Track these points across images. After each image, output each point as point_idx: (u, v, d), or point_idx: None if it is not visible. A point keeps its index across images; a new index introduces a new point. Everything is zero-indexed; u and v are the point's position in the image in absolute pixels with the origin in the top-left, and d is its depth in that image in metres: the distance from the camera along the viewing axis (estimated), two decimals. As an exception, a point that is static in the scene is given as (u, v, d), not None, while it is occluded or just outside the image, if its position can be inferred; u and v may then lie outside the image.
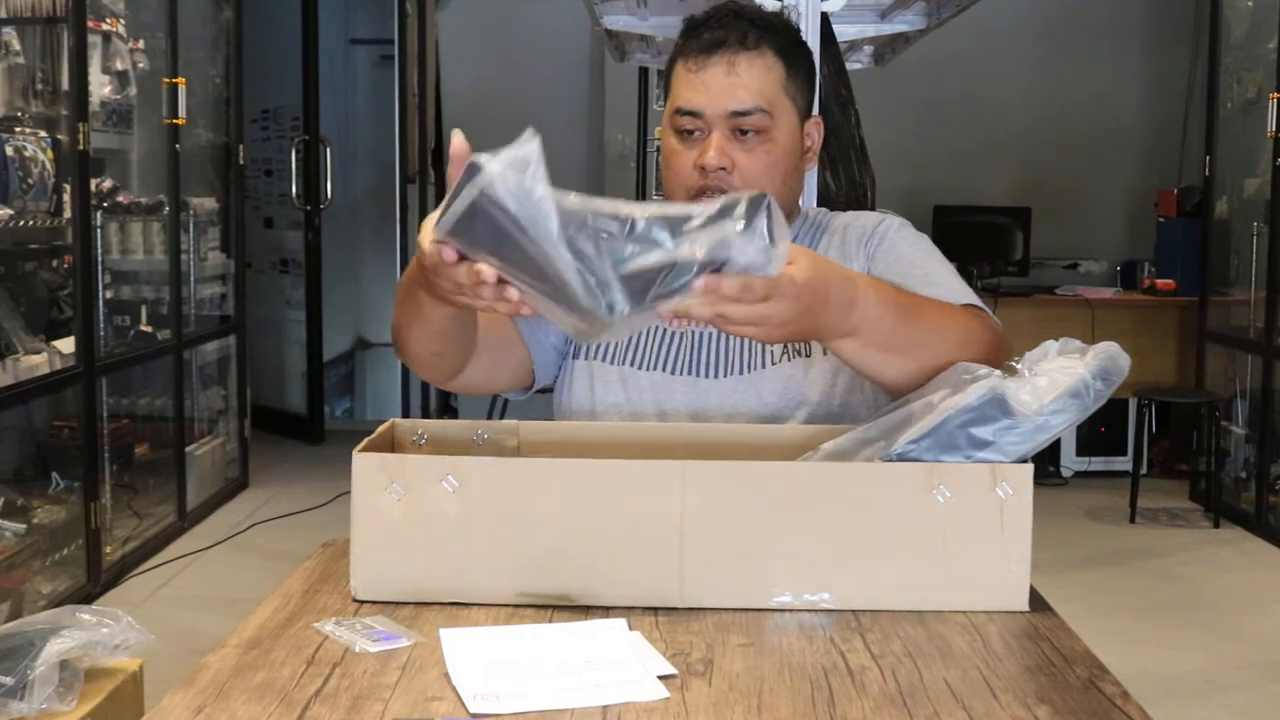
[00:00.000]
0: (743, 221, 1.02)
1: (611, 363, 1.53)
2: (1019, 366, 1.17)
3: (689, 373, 1.49)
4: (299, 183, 5.97)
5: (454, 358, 1.41)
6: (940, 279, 1.43)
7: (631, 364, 1.52)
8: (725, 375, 1.49)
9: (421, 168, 6.50)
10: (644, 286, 1.01)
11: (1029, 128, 6.19)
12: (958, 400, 1.14)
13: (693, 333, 1.52)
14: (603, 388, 1.52)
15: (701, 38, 1.47)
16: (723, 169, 1.44)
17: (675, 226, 1.02)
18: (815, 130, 1.54)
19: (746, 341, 1.48)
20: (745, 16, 1.50)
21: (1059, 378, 1.13)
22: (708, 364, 1.49)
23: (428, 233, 1.06)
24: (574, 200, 1.00)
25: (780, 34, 1.49)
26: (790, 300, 1.07)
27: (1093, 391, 1.13)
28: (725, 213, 1.02)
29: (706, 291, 1.02)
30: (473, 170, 0.97)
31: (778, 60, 1.48)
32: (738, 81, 1.45)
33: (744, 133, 1.46)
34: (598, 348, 1.54)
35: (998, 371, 1.16)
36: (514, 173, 0.97)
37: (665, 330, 1.53)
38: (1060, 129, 6.16)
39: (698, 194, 1.46)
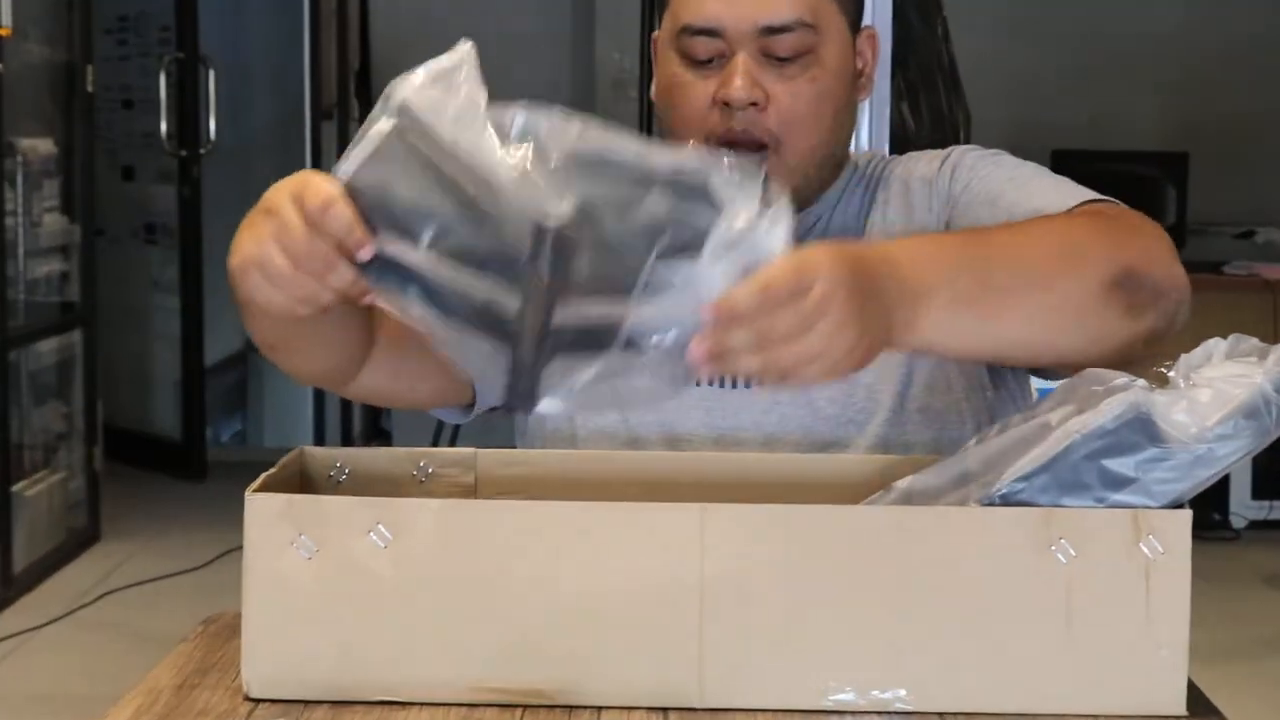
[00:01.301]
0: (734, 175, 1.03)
1: None
2: (1172, 374, 1.17)
3: (708, 380, 1.49)
4: (171, 119, 5.97)
5: (341, 365, 1.41)
6: (1038, 192, 1.43)
7: None
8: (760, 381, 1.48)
9: (341, 98, 6.52)
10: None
11: (1187, 47, 6.19)
12: (1086, 421, 1.14)
13: None
14: (582, 418, 1.52)
15: None
16: (754, 104, 1.44)
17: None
18: (869, 47, 1.54)
19: None
20: None
21: (1228, 390, 1.13)
22: None
23: (320, 179, 1.06)
24: (518, 116, 1.03)
25: None
26: (834, 283, 1.05)
27: (1275, 410, 1.13)
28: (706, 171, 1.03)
29: (718, 327, 1.01)
30: (388, 94, 1.00)
31: None
32: None
33: (781, 58, 1.46)
34: None
35: (1141, 381, 1.16)
36: (437, 86, 1.00)
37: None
38: (1229, 58, 6.16)
39: (720, 140, 1.46)
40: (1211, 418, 1.12)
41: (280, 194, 1.10)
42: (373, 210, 1.03)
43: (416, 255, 1.03)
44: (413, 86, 1.00)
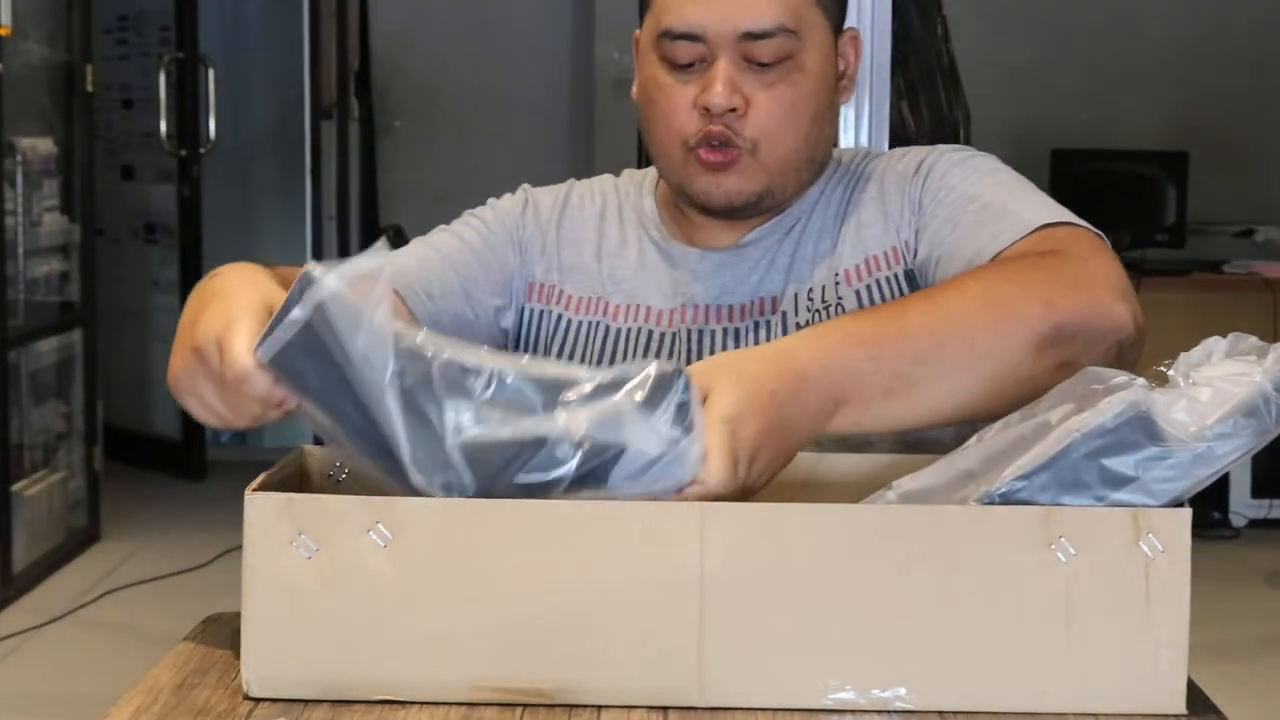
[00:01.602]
0: (642, 394, 1.08)
1: None
2: (1171, 373, 1.17)
3: None
4: (170, 118, 5.97)
5: None
6: (1003, 204, 1.43)
7: None
8: None
9: (341, 97, 6.51)
10: (501, 464, 1.09)
11: (1186, 46, 6.19)
12: (1086, 420, 1.14)
13: (697, 338, 1.53)
14: None
15: None
16: (733, 110, 1.45)
17: (552, 391, 1.08)
18: (852, 48, 1.55)
19: (744, 342, 1.51)
20: None
21: (1228, 389, 1.13)
22: None
23: (239, 346, 1.11)
24: (423, 340, 1.08)
25: None
26: (754, 446, 1.15)
27: (1275, 409, 1.13)
28: (620, 384, 1.09)
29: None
30: (306, 281, 1.05)
31: None
32: None
33: (761, 63, 1.46)
34: (558, 360, 1.56)
35: (1142, 380, 1.16)
36: (352, 291, 1.04)
37: (660, 335, 1.54)
38: (1226, 56, 6.16)
39: (700, 143, 1.47)
40: (1211, 416, 1.12)
41: (207, 331, 1.15)
42: (289, 380, 1.10)
43: (328, 423, 1.12)
44: (329, 289, 1.04)
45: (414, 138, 6.67)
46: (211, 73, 6.03)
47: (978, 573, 1.13)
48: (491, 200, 1.65)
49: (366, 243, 6.66)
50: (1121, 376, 1.16)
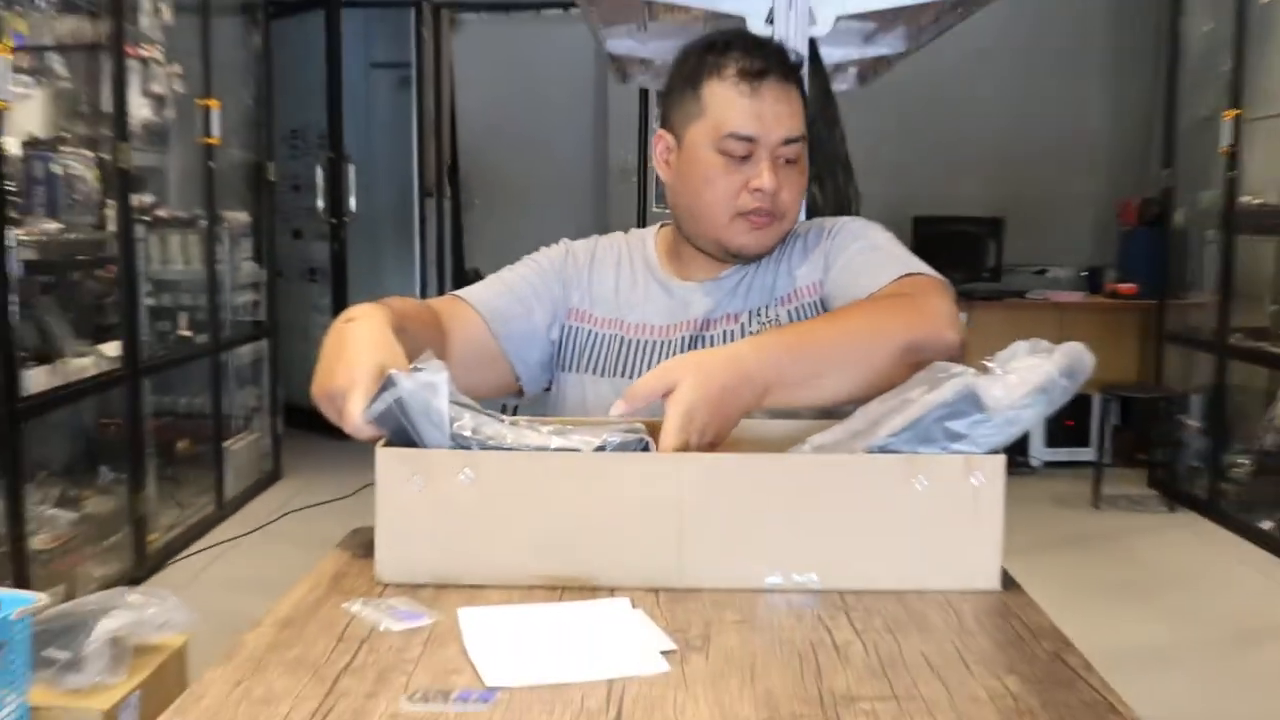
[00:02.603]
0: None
1: (603, 375, 1.53)
2: (991, 365, 1.17)
3: None
4: (325, 197, 5.98)
5: None
6: (877, 262, 1.43)
7: (624, 375, 1.51)
8: None
9: (438, 182, 6.51)
10: None
11: (1001, 144, 6.19)
12: (934, 397, 1.14)
13: (686, 343, 1.51)
14: (595, 399, 1.51)
15: (745, 64, 1.43)
16: (775, 191, 1.45)
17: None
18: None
19: (727, 342, 1.49)
20: (772, 46, 1.48)
21: (1028, 375, 1.14)
22: None
23: (355, 407, 1.17)
24: (465, 421, 1.15)
25: (798, 67, 1.48)
26: (695, 392, 1.17)
27: (1059, 388, 1.13)
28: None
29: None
30: (389, 382, 1.14)
31: (799, 91, 1.47)
32: (787, 110, 1.44)
33: (787, 160, 1.45)
34: (589, 361, 1.54)
35: (972, 370, 1.16)
36: (422, 393, 1.13)
37: (660, 344, 1.53)
38: (1030, 144, 6.16)
39: (751, 213, 1.46)
40: (1018, 393, 1.13)
41: (335, 388, 1.21)
42: (384, 429, 1.17)
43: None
44: (404, 390, 1.13)
45: (486, 209, 6.67)
46: (352, 167, 6.03)
47: (864, 498, 1.14)
48: (542, 249, 1.63)
49: (456, 279, 6.66)
50: (958, 368, 1.17)
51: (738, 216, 1.47)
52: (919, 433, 1.14)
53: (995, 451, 1.14)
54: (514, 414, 1.27)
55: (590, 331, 1.56)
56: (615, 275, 1.59)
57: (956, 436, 1.14)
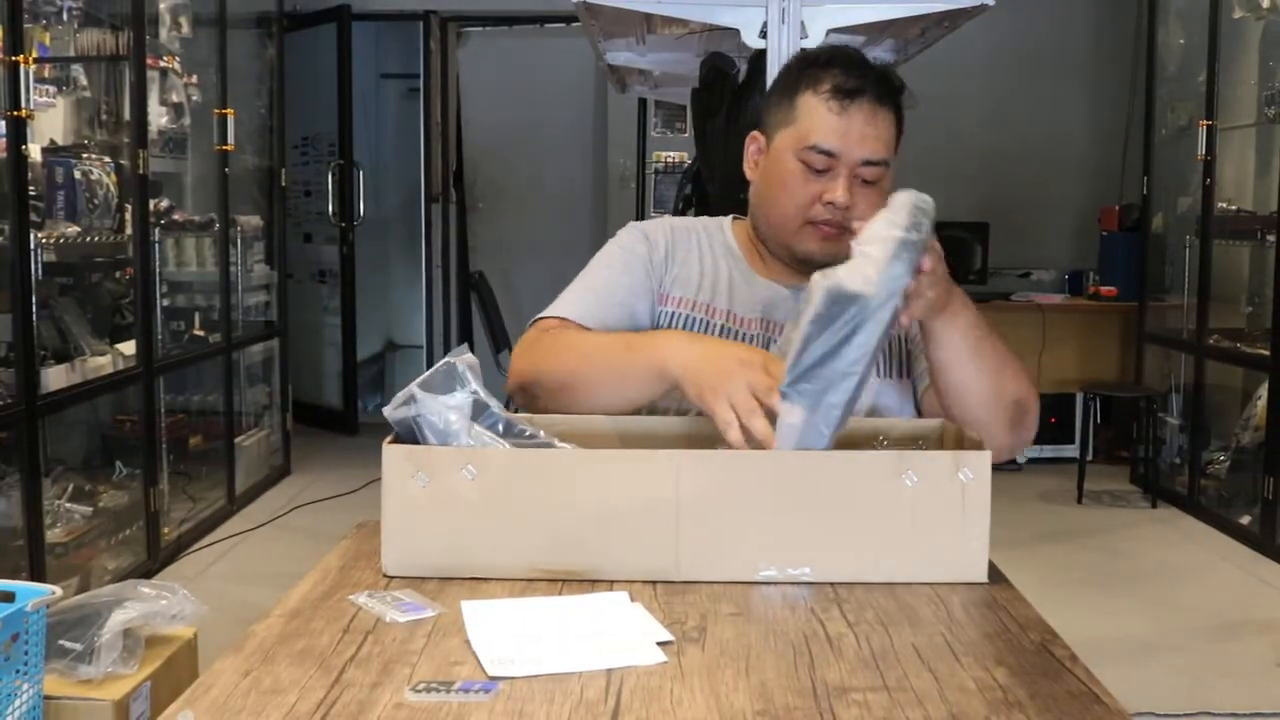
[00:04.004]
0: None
1: None
2: (855, 247, 1.16)
3: None
4: (335, 202, 5.97)
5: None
6: None
7: None
8: None
9: (444, 188, 6.50)
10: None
11: (986, 152, 6.19)
12: (808, 313, 1.13)
13: (763, 342, 1.49)
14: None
15: (840, 81, 1.41)
16: (848, 207, 1.42)
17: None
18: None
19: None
20: (871, 67, 1.45)
21: (878, 249, 1.12)
22: None
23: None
24: (468, 438, 1.15)
25: (899, 93, 1.46)
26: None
27: (912, 243, 1.13)
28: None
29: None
30: (409, 396, 1.15)
31: (895, 118, 1.45)
32: (875, 133, 1.42)
33: (866, 181, 1.43)
34: None
35: (834, 270, 1.15)
36: (441, 408, 1.15)
37: (746, 335, 1.49)
38: (1014, 153, 6.16)
39: (822, 222, 1.44)
40: (877, 270, 1.13)
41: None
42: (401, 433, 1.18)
43: None
44: (421, 409, 1.14)
45: (490, 214, 6.66)
46: (361, 173, 6.02)
47: (855, 494, 1.13)
48: (617, 240, 1.56)
49: (461, 281, 6.64)
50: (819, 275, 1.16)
51: (807, 224, 1.45)
52: (816, 361, 1.13)
53: (894, 319, 1.14)
54: (518, 411, 1.26)
55: (677, 314, 1.51)
56: (699, 259, 1.55)
57: (847, 341, 1.12)
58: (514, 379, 1.43)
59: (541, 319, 1.48)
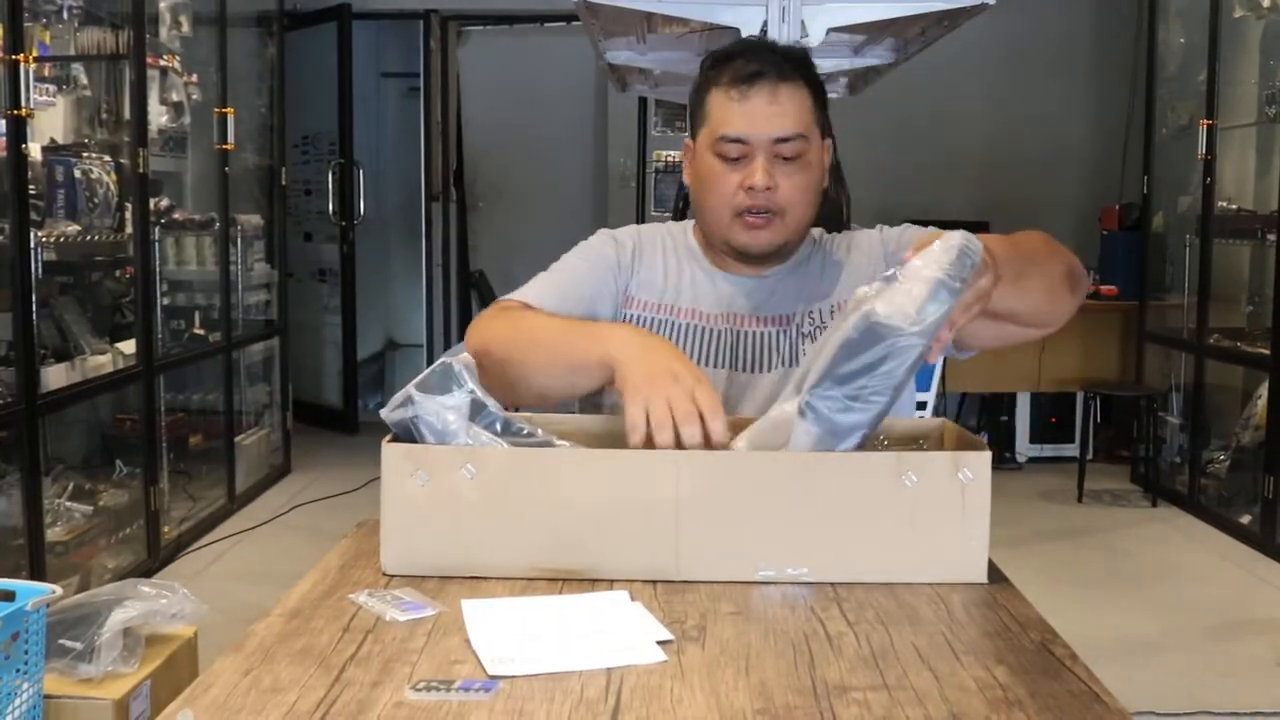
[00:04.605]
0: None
1: None
2: (890, 273, 1.13)
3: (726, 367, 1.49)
4: (335, 201, 5.97)
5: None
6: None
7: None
8: (766, 370, 1.47)
9: (444, 187, 6.50)
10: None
11: (987, 151, 6.19)
12: (838, 336, 1.12)
13: (732, 335, 1.50)
14: None
15: (738, 69, 1.43)
16: (769, 189, 1.43)
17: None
18: (826, 153, 1.52)
19: (768, 340, 1.49)
20: (775, 50, 1.47)
21: (917, 288, 1.09)
22: (747, 359, 1.49)
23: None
24: (465, 437, 1.15)
25: (807, 66, 1.47)
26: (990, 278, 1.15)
27: (949, 289, 1.09)
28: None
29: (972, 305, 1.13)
30: (406, 398, 1.14)
31: (808, 91, 1.46)
32: (779, 110, 1.42)
33: (784, 158, 1.43)
34: None
35: (865, 306, 1.12)
36: (439, 409, 1.15)
37: (712, 330, 1.50)
38: (1014, 152, 6.16)
39: (744, 211, 1.45)
40: (911, 309, 1.09)
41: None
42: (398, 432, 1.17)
43: None
44: (419, 409, 1.14)
45: (490, 213, 6.66)
46: (361, 172, 6.02)
47: (855, 494, 1.13)
48: (587, 242, 1.59)
49: (461, 280, 6.64)
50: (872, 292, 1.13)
51: (736, 216, 1.46)
52: (837, 382, 1.12)
53: (921, 356, 1.11)
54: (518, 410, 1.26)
55: (642, 318, 1.53)
56: (663, 262, 1.57)
57: (871, 370, 1.10)
58: (466, 350, 1.43)
59: (504, 301, 1.50)
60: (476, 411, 1.16)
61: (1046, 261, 1.34)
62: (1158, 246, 5.24)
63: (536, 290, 1.50)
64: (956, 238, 1.11)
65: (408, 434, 1.15)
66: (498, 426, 1.17)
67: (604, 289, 1.53)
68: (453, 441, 1.13)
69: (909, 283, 1.10)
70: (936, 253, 1.10)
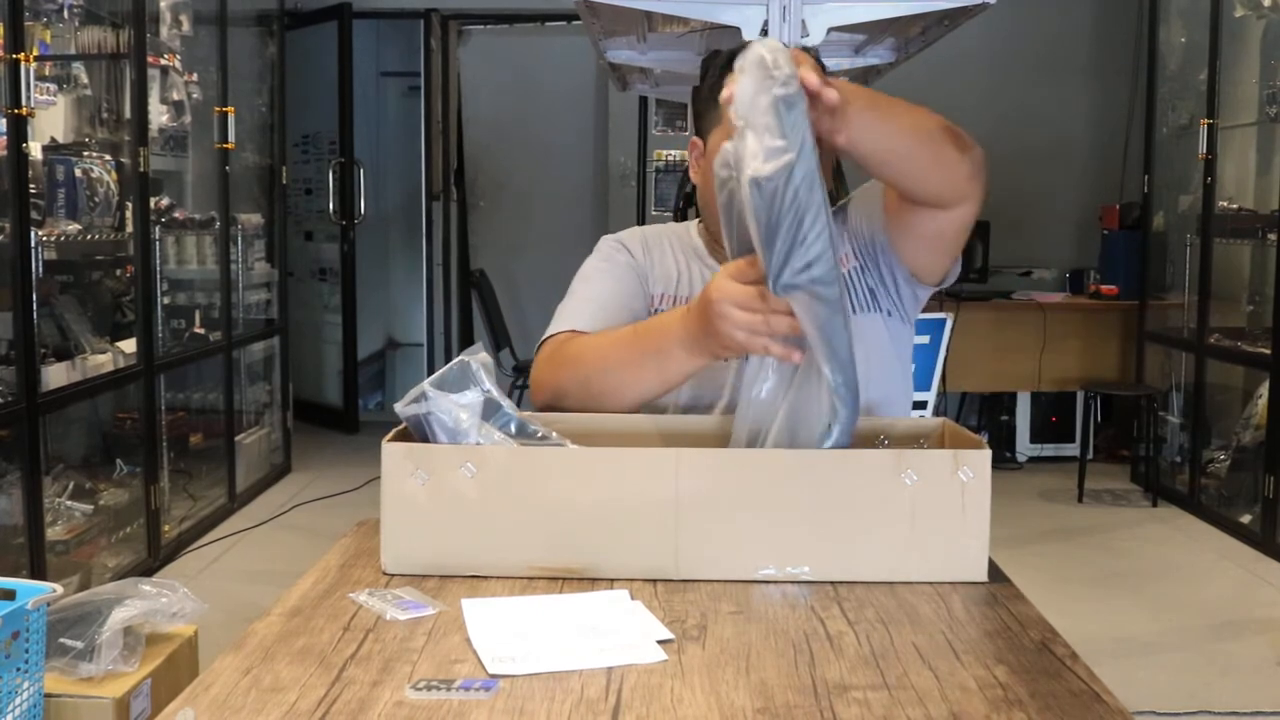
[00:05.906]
0: None
1: None
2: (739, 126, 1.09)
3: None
4: (336, 200, 5.97)
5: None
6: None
7: None
8: None
9: (445, 186, 6.50)
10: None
11: (987, 150, 6.12)
12: (751, 220, 1.08)
13: None
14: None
15: None
16: None
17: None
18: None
19: None
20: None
21: (765, 118, 1.05)
22: None
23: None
24: (475, 437, 1.16)
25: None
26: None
27: (789, 90, 1.04)
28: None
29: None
30: (420, 394, 1.15)
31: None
32: None
33: None
34: None
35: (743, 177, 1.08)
36: (454, 408, 1.15)
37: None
38: (1015, 151, 6.15)
39: None
40: (771, 142, 1.06)
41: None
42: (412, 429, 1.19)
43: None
44: (431, 405, 1.15)
45: (491, 213, 6.66)
46: (362, 171, 6.02)
47: (855, 492, 1.13)
48: (600, 254, 1.60)
49: (462, 279, 6.63)
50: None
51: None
52: (786, 251, 1.08)
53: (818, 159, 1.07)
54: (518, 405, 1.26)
55: (660, 311, 1.54)
56: (673, 261, 1.60)
57: (800, 218, 1.06)
58: (539, 398, 1.45)
59: (550, 337, 1.50)
60: (491, 411, 1.17)
61: (914, 110, 1.34)
62: (1158, 246, 5.24)
63: (575, 312, 1.52)
64: (749, 54, 1.07)
65: (420, 430, 1.15)
66: (512, 427, 1.18)
67: (635, 290, 1.56)
68: (464, 440, 1.13)
69: (752, 123, 1.05)
70: (744, 79, 1.05)
